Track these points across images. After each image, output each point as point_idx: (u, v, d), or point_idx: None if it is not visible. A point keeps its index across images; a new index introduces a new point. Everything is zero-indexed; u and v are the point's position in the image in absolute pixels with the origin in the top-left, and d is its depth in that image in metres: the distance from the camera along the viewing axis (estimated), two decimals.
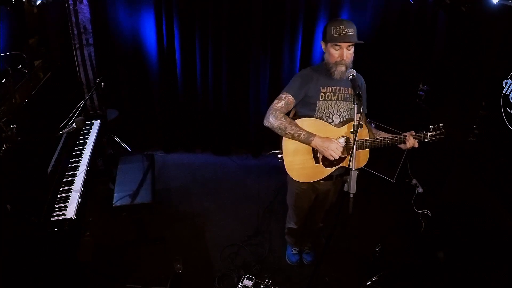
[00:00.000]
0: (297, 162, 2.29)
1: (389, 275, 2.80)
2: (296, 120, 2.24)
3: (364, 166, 3.89)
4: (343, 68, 2.16)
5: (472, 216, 2.96)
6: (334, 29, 2.11)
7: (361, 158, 2.32)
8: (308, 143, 2.21)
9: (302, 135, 2.19)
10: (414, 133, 2.27)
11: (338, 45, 2.13)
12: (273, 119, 2.20)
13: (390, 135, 2.31)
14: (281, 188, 2.79)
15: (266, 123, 2.25)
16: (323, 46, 2.25)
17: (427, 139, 2.30)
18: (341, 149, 2.19)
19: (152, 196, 2.81)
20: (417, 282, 2.91)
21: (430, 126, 2.30)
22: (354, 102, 2.19)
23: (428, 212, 3.58)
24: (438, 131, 2.30)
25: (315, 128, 2.23)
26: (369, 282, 2.73)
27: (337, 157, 2.20)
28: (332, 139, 2.19)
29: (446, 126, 2.30)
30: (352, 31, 2.11)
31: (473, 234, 2.89)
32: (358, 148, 2.23)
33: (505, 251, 2.57)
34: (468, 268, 2.84)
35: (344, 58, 2.14)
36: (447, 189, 3.38)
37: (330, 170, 2.33)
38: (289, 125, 2.19)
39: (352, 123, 2.23)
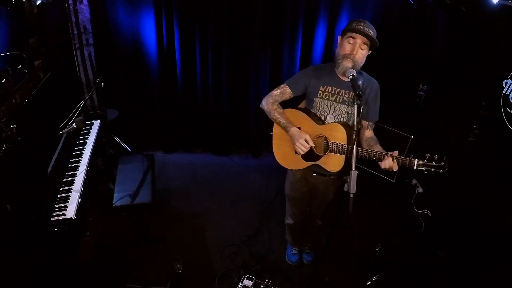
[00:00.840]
0: (281, 147, 2.46)
1: (389, 275, 2.80)
2: (286, 109, 2.40)
3: (364, 166, 3.95)
4: (349, 64, 2.15)
5: (472, 216, 2.96)
6: (355, 23, 2.14)
7: (334, 162, 2.26)
8: (287, 132, 2.34)
9: (282, 123, 2.35)
10: (396, 155, 2.05)
11: (353, 38, 2.14)
12: (265, 102, 2.44)
13: (373, 150, 2.17)
14: (281, 188, 2.79)
15: (260, 105, 2.48)
16: (339, 41, 2.25)
17: (415, 167, 2.00)
18: (307, 146, 2.23)
19: (152, 196, 2.81)
20: (417, 282, 2.92)
21: (427, 155, 1.96)
22: (354, 102, 2.18)
23: (428, 212, 3.57)
24: (434, 162, 1.94)
25: (296, 120, 2.35)
26: (369, 282, 2.73)
27: (301, 153, 2.28)
28: (305, 135, 2.23)
29: (449, 160, 1.86)
30: (372, 32, 2.13)
31: (473, 234, 2.89)
32: (333, 151, 2.25)
33: (505, 251, 2.57)
34: (468, 268, 2.84)
35: (354, 53, 2.15)
36: (447, 189, 3.38)
37: (306, 164, 2.37)
38: (273, 111, 2.38)
39: (334, 125, 2.25)
